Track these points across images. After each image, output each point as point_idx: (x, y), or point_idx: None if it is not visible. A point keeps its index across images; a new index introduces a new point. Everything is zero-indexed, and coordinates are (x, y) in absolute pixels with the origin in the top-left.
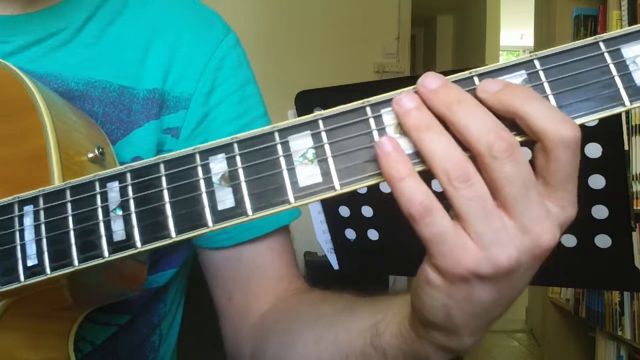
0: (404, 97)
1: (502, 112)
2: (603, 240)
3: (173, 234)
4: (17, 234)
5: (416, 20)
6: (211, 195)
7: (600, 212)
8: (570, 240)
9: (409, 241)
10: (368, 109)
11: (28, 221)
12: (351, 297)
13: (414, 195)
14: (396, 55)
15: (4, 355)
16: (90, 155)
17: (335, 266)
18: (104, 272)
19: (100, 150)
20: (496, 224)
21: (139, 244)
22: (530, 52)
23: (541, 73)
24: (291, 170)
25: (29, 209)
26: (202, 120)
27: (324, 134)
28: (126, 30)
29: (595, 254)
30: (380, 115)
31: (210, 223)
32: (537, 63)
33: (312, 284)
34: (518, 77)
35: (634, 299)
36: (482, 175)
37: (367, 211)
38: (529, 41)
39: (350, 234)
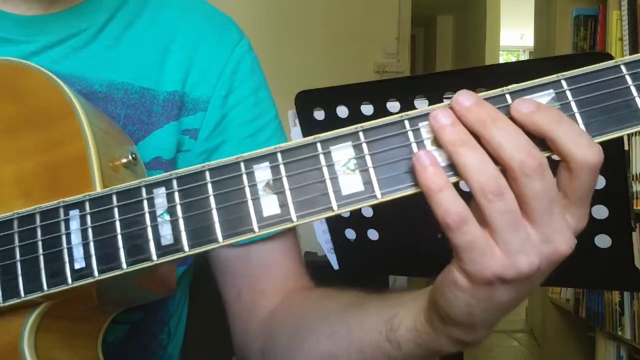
0: (440, 113)
1: (533, 131)
2: (603, 240)
3: (220, 238)
4: (64, 237)
5: (416, 20)
6: (256, 202)
7: (600, 212)
8: None
9: (409, 241)
10: (406, 122)
11: (74, 225)
12: (357, 293)
13: (451, 206)
14: (396, 55)
15: (44, 356)
16: (124, 160)
17: (335, 266)
18: (142, 275)
19: (134, 155)
20: (522, 234)
21: (186, 248)
22: (530, 52)
23: (568, 92)
24: (334, 179)
25: (74, 213)
26: (220, 122)
27: (364, 145)
28: (145, 32)
29: (595, 254)
30: (418, 129)
31: (256, 229)
32: (564, 83)
33: None
34: (547, 96)
35: (634, 299)
36: (511, 188)
37: (367, 211)
38: (529, 41)
39: (350, 234)
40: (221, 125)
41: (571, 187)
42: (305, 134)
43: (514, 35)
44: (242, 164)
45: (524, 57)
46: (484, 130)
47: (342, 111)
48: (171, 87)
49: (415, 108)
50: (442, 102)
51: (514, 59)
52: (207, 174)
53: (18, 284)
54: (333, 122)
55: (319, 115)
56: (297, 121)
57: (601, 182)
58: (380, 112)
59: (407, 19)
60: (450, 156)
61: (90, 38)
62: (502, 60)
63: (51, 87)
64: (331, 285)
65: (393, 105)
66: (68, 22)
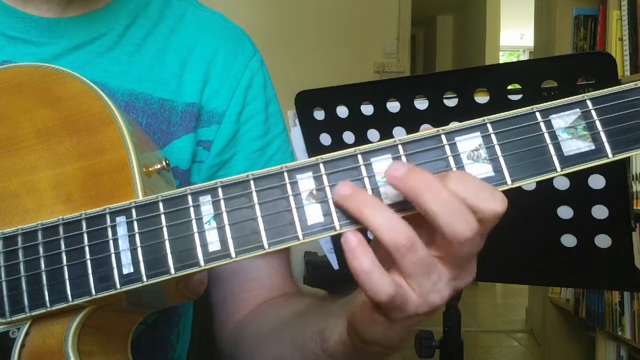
0: (340, 185)
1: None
2: (603, 240)
3: (266, 245)
4: (111, 243)
5: (416, 20)
6: (301, 211)
7: (600, 212)
8: (570, 240)
9: None
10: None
11: (122, 231)
12: (312, 300)
13: (380, 289)
14: (396, 55)
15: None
16: (158, 166)
17: (335, 266)
18: (180, 281)
19: (167, 161)
20: (435, 277)
21: (233, 254)
22: (530, 52)
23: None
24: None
25: (121, 219)
26: (233, 136)
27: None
28: (166, 41)
29: (595, 254)
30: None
31: (300, 237)
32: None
33: (312, 284)
34: (573, 114)
35: (634, 299)
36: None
37: None
38: (529, 41)
39: None
40: (233, 140)
41: (485, 230)
42: (305, 134)
43: (514, 35)
44: (285, 174)
45: (524, 57)
46: (418, 198)
47: (342, 111)
48: (190, 99)
49: (415, 108)
50: (442, 102)
51: (514, 59)
52: (252, 183)
53: (65, 288)
54: (333, 122)
55: (319, 115)
56: (297, 121)
57: (601, 182)
58: (380, 112)
59: (407, 19)
60: (360, 221)
61: (112, 43)
62: (502, 60)
63: (89, 94)
64: (330, 285)
65: (393, 105)
66: (88, 26)
